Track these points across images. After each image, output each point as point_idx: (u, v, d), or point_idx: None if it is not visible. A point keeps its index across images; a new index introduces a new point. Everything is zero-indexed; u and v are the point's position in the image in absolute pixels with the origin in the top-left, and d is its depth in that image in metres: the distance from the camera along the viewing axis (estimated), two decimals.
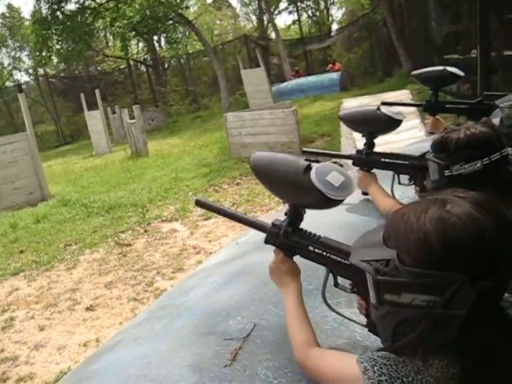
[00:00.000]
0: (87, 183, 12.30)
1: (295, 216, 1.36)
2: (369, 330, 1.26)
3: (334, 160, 2.67)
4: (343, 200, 1.23)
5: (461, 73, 2.78)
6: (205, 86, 28.66)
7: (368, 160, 2.32)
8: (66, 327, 5.19)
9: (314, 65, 27.16)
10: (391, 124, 2.20)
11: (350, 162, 2.44)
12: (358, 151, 2.36)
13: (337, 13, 39.60)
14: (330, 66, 22.92)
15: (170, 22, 22.68)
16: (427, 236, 0.89)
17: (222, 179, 10.09)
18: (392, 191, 2.19)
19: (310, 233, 1.36)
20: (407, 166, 2.24)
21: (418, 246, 0.90)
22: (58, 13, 22.32)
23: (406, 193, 2.26)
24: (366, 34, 24.75)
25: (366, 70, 23.75)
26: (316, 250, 1.32)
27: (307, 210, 1.37)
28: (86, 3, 23.30)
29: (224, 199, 8.69)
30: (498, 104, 2.43)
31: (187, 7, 23.52)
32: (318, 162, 1.26)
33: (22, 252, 7.70)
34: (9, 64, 31.78)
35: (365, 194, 2.36)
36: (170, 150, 14.99)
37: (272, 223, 1.40)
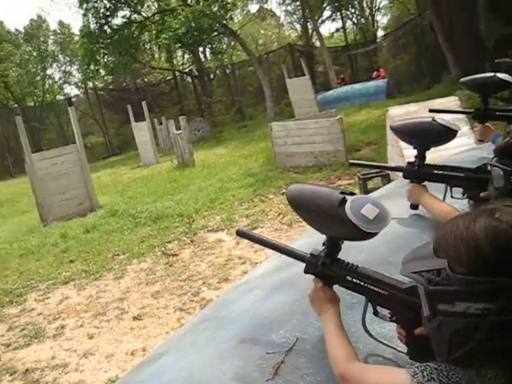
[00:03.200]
0: (134, 194, 12.55)
1: (333, 247, 1.38)
2: (410, 358, 1.25)
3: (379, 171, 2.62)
4: (378, 232, 1.23)
5: None
6: (250, 96, 28.86)
7: (419, 172, 2.23)
8: (114, 336, 5.29)
9: (360, 72, 26.97)
10: (447, 135, 2.12)
11: (400, 174, 2.38)
12: (410, 163, 2.26)
13: (382, 19, 39.24)
14: (375, 73, 22.69)
15: (215, 33, 23.02)
16: (478, 243, 0.88)
17: (267, 189, 10.12)
18: None
19: (348, 263, 1.37)
20: (461, 178, 2.15)
21: (469, 254, 0.89)
22: (106, 27, 23.02)
23: (459, 206, 2.18)
24: (412, 39, 24.41)
25: (413, 77, 23.39)
26: (354, 280, 1.34)
27: None
28: (133, 17, 23.92)
29: (269, 209, 8.70)
30: None
31: (231, 18, 23.75)
32: (352, 194, 1.26)
33: (71, 261, 7.92)
34: (60, 78, 33.11)
35: (414, 208, 2.29)
36: (216, 160, 15.14)
37: (311, 253, 1.43)
